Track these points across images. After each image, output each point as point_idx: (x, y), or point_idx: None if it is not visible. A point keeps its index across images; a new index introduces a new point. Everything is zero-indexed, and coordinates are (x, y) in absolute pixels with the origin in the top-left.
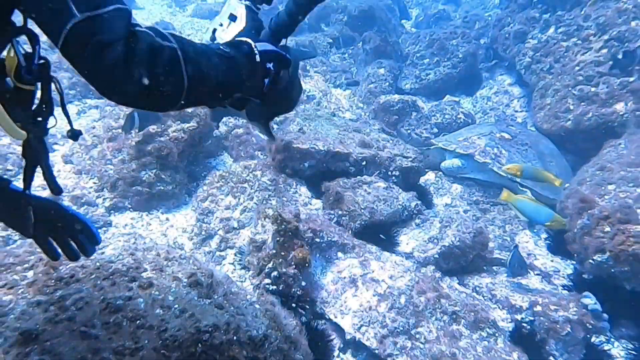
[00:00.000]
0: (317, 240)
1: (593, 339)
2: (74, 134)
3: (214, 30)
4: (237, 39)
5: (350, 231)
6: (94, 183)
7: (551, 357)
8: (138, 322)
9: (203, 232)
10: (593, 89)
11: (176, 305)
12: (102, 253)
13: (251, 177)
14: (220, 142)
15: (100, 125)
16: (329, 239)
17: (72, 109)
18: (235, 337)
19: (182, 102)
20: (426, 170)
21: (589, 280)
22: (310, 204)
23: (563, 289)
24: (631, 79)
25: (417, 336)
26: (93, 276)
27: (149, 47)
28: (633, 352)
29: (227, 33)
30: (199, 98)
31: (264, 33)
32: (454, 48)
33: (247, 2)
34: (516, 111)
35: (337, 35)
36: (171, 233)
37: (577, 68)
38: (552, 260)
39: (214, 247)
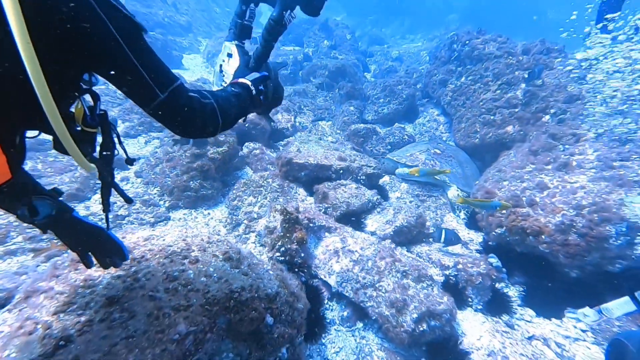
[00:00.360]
0: (311, 225)
1: (497, 285)
2: (130, 161)
3: (220, 66)
4: (239, 80)
5: (333, 218)
6: (157, 190)
7: (469, 299)
8: (189, 287)
9: (233, 222)
10: (492, 117)
11: (215, 275)
12: (164, 240)
13: (265, 183)
14: (244, 159)
15: (161, 151)
16: (319, 224)
17: (141, 139)
18: (256, 295)
19: (221, 130)
20: (383, 174)
21: (493, 246)
22: (306, 200)
23: (476, 252)
24: (516, 110)
25: (380, 288)
26: (157, 256)
27: (201, 106)
28: (523, 292)
29: (229, 66)
30: (228, 126)
31: (251, 63)
32: (400, 91)
33: (236, 42)
34: (442, 133)
35: (321, 83)
36: (211, 223)
37: (481, 103)
38: (468, 233)
39: (241, 232)
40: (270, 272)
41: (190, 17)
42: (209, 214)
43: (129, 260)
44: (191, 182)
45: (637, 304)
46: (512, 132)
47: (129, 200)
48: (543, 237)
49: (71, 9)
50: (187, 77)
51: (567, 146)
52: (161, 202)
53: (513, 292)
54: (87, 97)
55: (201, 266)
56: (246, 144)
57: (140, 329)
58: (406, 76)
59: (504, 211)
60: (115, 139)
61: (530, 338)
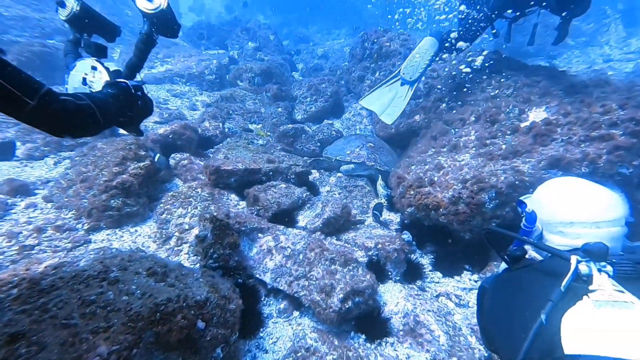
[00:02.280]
0: (243, 228)
1: (412, 257)
2: None
3: (84, 79)
4: (115, 80)
5: (265, 219)
6: (73, 214)
7: (389, 272)
8: (108, 308)
9: (163, 236)
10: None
11: (138, 291)
12: (77, 265)
13: (194, 193)
14: (172, 171)
15: (73, 172)
16: (251, 226)
17: (49, 161)
18: (184, 304)
19: (103, 128)
20: (312, 171)
21: (408, 223)
22: (239, 205)
23: (395, 231)
24: (420, 100)
25: (311, 277)
26: (70, 283)
27: (76, 107)
28: (433, 259)
29: (96, 78)
30: (111, 122)
31: (124, 72)
32: (324, 89)
33: (95, 58)
34: (366, 125)
35: (248, 87)
36: (139, 240)
37: None
38: (389, 215)
39: (173, 245)
40: (201, 280)
41: None
42: (136, 231)
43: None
44: (112, 201)
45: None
46: (419, 121)
47: None
48: (441, 210)
49: None
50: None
51: (456, 129)
52: (79, 226)
53: (426, 260)
54: None
55: (122, 285)
56: (172, 155)
57: (53, 359)
58: (330, 74)
59: (411, 192)
60: None
61: (437, 296)
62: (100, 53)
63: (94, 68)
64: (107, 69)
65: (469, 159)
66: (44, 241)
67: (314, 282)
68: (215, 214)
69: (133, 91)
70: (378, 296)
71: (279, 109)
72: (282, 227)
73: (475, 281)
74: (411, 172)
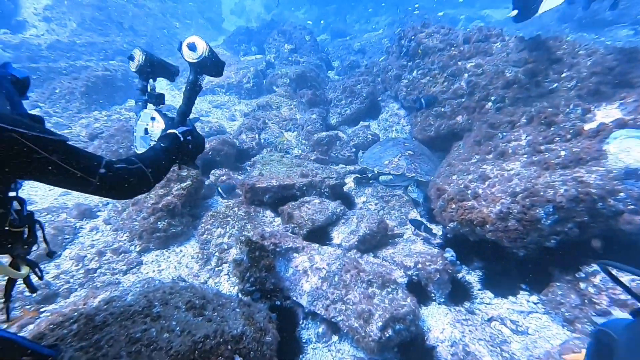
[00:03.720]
0: (277, 249)
1: (459, 275)
2: (51, 254)
3: (145, 129)
4: (168, 131)
5: (300, 237)
6: (127, 236)
7: (432, 294)
8: (152, 346)
9: (205, 256)
10: (442, 109)
11: (178, 328)
12: (125, 300)
13: (231, 212)
14: (212, 187)
15: None
16: (287, 246)
17: None
18: (221, 339)
19: (153, 184)
20: (346, 181)
21: (451, 238)
22: (274, 222)
23: (437, 246)
24: (463, 100)
25: (348, 301)
26: (119, 319)
27: (129, 173)
28: (482, 277)
29: (154, 128)
30: (161, 178)
31: (176, 119)
32: (359, 90)
33: (155, 108)
34: (404, 126)
35: (283, 93)
36: (184, 260)
37: None
38: (430, 226)
39: (214, 265)
40: (237, 310)
41: (150, 37)
42: (181, 251)
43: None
44: (159, 223)
45: None
46: (462, 122)
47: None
48: (487, 226)
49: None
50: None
51: (504, 133)
52: (132, 248)
53: (473, 277)
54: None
55: (163, 321)
56: (212, 171)
57: None
58: (366, 72)
59: (453, 206)
60: (40, 234)
61: (489, 320)
62: (158, 101)
63: (152, 118)
64: (164, 116)
65: (519, 168)
66: (104, 264)
67: (351, 307)
68: (250, 235)
69: (182, 138)
70: (421, 321)
71: (313, 116)
72: (317, 245)
73: (535, 303)
74: (452, 182)
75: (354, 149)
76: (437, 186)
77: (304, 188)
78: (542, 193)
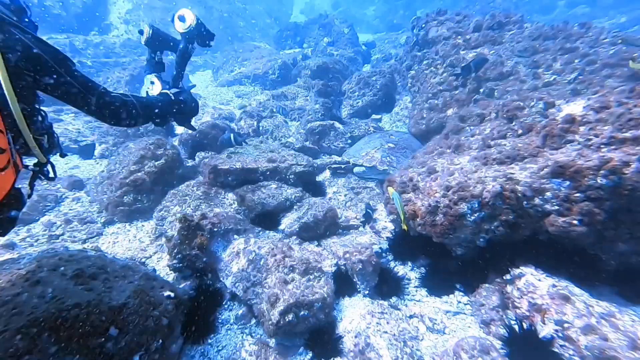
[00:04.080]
0: (216, 229)
1: (400, 270)
2: (63, 155)
3: (147, 92)
4: (163, 91)
5: (248, 220)
6: (97, 208)
7: (357, 285)
8: (14, 310)
9: (157, 232)
10: (436, 102)
11: (50, 294)
12: (18, 263)
13: (190, 191)
14: (196, 169)
15: (106, 169)
16: (226, 227)
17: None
18: (95, 310)
19: (142, 119)
20: (324, 171)
21: (399, 232)
22: (234, 205)
23: (386, 239)
24: (456, 92)
25: (265, 285)
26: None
27: (122, 102)
28: (423, 273)
29: (154, 89)
30: (149, 119)
31: (170, 83)
32: (374, 82)
33: (155, 74)
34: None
35: (302, 84)
36: (139, 235)
37: (429, 87)
38: (386, 221)
39: (164, 242)
40: (134, 283)
41: None
42: (143, 226)
43: None
44: (125, 197)
45: None
46: (451, 115)
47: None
48: (418, 220)
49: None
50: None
51: (472, 127)
52: (98, 219)
53: (414, 274)
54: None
55: (40, 287)
56: (198, 153)
57: None
58: (384, 64)
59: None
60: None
61: (410, 317)
62: (159, 68)
63: (152, 82)
64: (162, 80)
65: (465, 162)
66: (67, 231)
67: (266, 290)
68: (189, 213)
69: (173, 97)
70: (337, 311)
71: (316, 106)
72: (260, 229)
73: (465, 304)
74: (404, 175)
75: (349, 141)
76: (389, 178)
77: (268, 173)
78: (471, 188)
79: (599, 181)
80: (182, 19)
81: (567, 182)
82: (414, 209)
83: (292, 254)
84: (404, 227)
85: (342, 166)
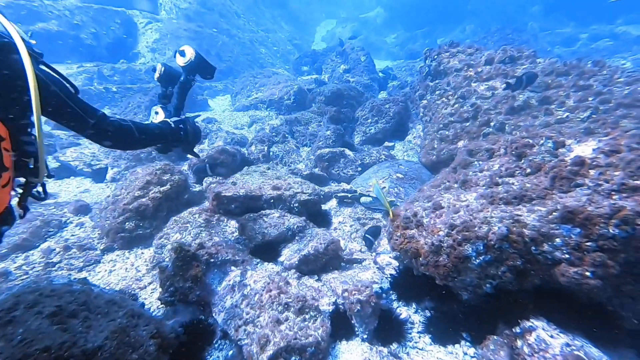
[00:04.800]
0: (212, 260)
1: (402, 313)
2: (50, 175)
3: (151, 121)
4: (164, 119)
5: (247, 250)
6: (99, 233)
7: (355, 328)
8: None
9: (154, 261)
10: (446, 133)
11: (19, 337)
12: None
13: (192, 218)
14: (203, 194)
15: (112, 194)
16: (224, 258)
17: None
18: (66, 353)
19: (139, 144)
20: (332, 199)
21: (403, 269)
22: (235, 233)
23: (389, 276)
24: (467, 124)
25: (257, 324)
26: None
27: (119, 125)
28: (429, 317)
29: (157, 118)
30: (147, 142)
31: (172, 113)
32: (387, 110)
33: (160, 105)
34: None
35: (316, 110)
36: (138, 263)
37: (440, 118)
38: (390, 257)
39: (157, 272)
40: (116, 321)
41: (233, 63)
42: (142, 253)
43: None
44: (127, 223)
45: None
46: (461, 148)
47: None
48: (420, 259)
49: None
50: (206, 115)
51: (480, 162)
52: (98, 245)
53: (419, 318)
54: None
55: (11, 328)
56: (205, 178)
57: None
58: (398, 92)
59: (398, 233)
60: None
61: None
62: (165, 100)
63: (156, 112)
64: (165, 110)
65: (472, 200)
66: (65, 259)
67: (257, 330)
68: (186, 242)
69: (173, 125)
70: (332, 357)
71: (328, 132)
72: (258, 261)
73: (471, 357)
74: (409, 208)
75: (359, 168)
76: (394, 210)
77: (272, 201)
78: (476, 228)
79: (611, 231)
80: (182, 53)
81: (578, 230)
82: (416, 247)
83: (289, 289)
84: (390, 215)
85: (349, 195)
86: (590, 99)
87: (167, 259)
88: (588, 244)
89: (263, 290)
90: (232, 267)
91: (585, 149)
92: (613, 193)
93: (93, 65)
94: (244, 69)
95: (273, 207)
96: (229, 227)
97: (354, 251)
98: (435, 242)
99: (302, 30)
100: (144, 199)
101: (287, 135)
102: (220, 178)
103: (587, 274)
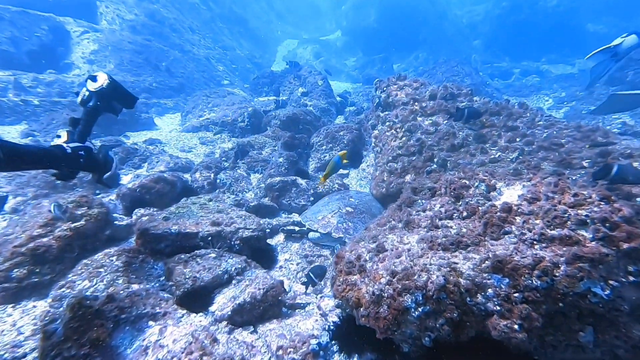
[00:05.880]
0: (123, 316)
1: None
2: None
3: (54, 142)
4: (58, 144)
5: (174, 299)
6: None
7: None
8: None
9: (48, 318)
10: (395, 166)
11: None
12: None
13: (107, 261)
14: (131, 228)
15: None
16: (140, 311)
17: None
18: None
19: (8, 166)
20: (279, 233)
21: (346, 317)
22: (162, 278)
23: (332, 324)
24: (413, 158)
25: None
26: None
27: None
28: None
29: (59, 142)
30: (22, 166)
31: (76, 138)
32: (341, 137)
33: (67, 128)
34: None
35: (271, 134)
36: (24, 321)
37: (390, 150)
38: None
39: (40, 339)
40: None
41: (186, 79)
42: (34, 307)
43: None
44: (15, 271)
45: None
46: (409, 181)
47: None
48: (361, 309)
49: None
50: (150, 135)
51: (423, 201)
52: None
53: None
54: None
55: None
56: (136, 210)
57: None
58: (351, 120)
59: (341, 278)
60: None
61: None
62: (74, 124)
63: (58, 136)
64: (71, 134)
65: (414, 242)
66: None
67: None
68: (90, 296)
69: (69, 151)
70: None
71: (280, 159)
72: (185, 312)
73: None
74: (354, 250)
75: (312, 198)
76: (338, 252)
77: (209, 238)
78: (415, 277)
79: (534, 282)
80: (94, 79)
81: (507, 280)
82: (358, 297)
83: (215, 349)
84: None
85: (297, 229)
86: (518, 139)
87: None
88: (515, 294)
89: (182, 353)
90: (150, 323)
91: (512, 194)
92: (535, 243)
93: (8, 75)
94: (199, 86)
95: (211, 245)
96: (156, 269)
97: (298, 294)
98: (377, 292)
99: (262, 49)
100: (45, 239)
101: (237, 160)
102: (156, 210)
103: (515, 327)
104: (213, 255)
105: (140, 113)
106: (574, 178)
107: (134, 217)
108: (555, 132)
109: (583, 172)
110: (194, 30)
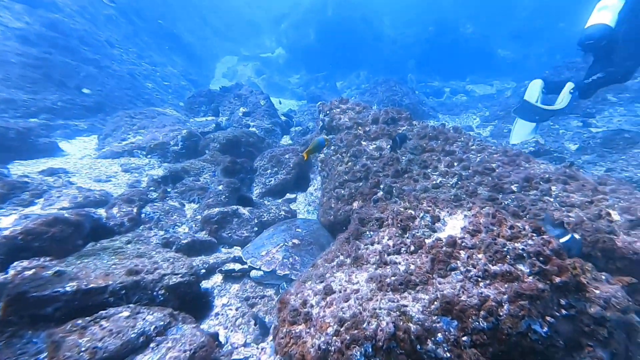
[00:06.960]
0: None
1: None
2: None
3: None
4: None
5: None
6: None
7: None
8: None
9: None
10: (342, 192)
11: None
12: None
13: None
14: (5, 288)
15: None
16: None
17: None
18: None
19: None
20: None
21: None
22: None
23: None
24: (360, 184)
25: None
26: None
27: None
28: None
29: None
30: None
31: None
32: (287, 160)
33: None
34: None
35: (210, 159)
36: None
37: (336, 175)
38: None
39: None
40: None
41: (104, 98)
42: None
43: None
44: None
45: None
46: (357, 209)
47: None
48: None
49: None
50: (51, 164)
51: (371, 233)
52: None
53: None
54: None
55: None
56: (15, 264)
57: None
58: (296, 141)
59: (284, 329)
60: None
61: None
62: None
63: None
64: None
65: (362, 282)
66: None
67: None
68: None
69: None
70: None
71: (220, 187)
72: None
73: None
74: (300, 293)
75: (256, 228)
76: (281, 296)
77: (123, 292)
78: (365, 325)
79: (480, 323)
80: None
81: (455, 322)
82: (302, 353)
83: None
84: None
85: (237, 267)
86: (455, 164)
87: None
88: (464, 338)
89: None
90: None
91: (455, 225)
92: (479, 280)
93: None
94: (123, 105)
95: (124, 300)
96: (35, 345)
97: (237, 346)
98: (323, 345)
99: (199, 66)
100: None
101: (168, 190)
102: (51, 259)
103: None
104: (126, 313)
105: (37, 137)
106: (506, 203)
107: (11, 272)
108: (487, 157)
109: (513, 196)
110: (113, 45)
